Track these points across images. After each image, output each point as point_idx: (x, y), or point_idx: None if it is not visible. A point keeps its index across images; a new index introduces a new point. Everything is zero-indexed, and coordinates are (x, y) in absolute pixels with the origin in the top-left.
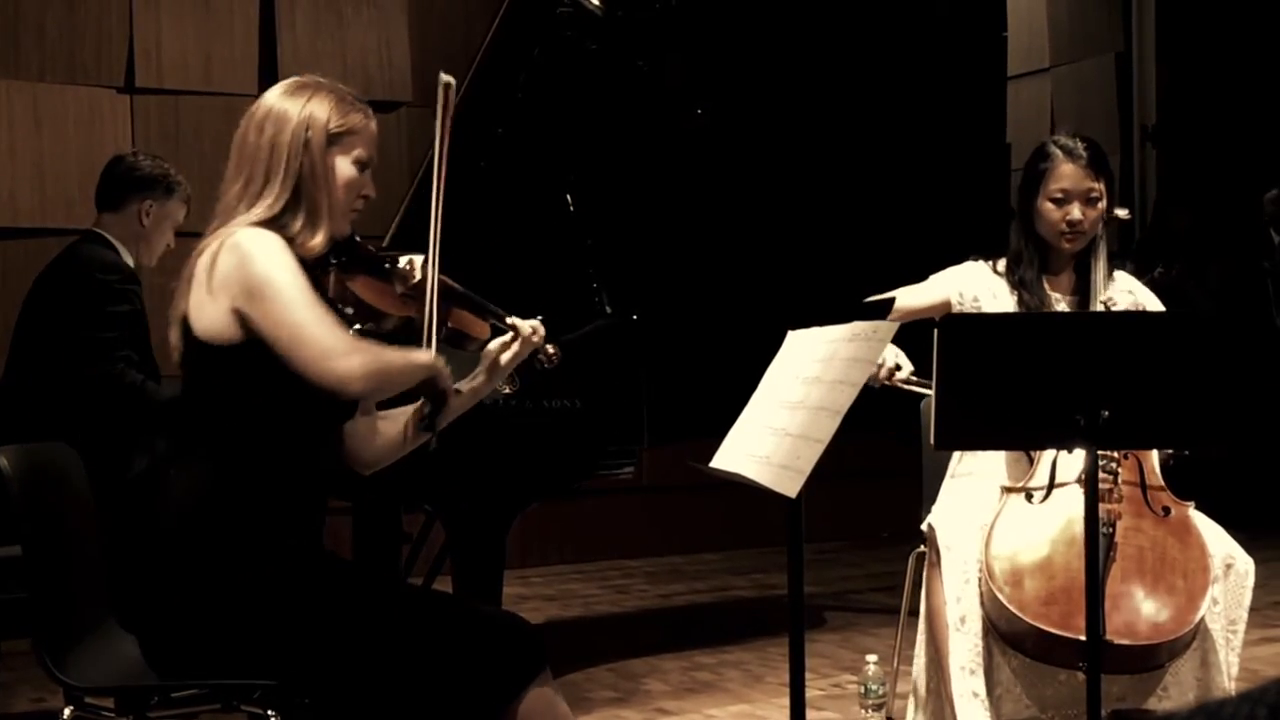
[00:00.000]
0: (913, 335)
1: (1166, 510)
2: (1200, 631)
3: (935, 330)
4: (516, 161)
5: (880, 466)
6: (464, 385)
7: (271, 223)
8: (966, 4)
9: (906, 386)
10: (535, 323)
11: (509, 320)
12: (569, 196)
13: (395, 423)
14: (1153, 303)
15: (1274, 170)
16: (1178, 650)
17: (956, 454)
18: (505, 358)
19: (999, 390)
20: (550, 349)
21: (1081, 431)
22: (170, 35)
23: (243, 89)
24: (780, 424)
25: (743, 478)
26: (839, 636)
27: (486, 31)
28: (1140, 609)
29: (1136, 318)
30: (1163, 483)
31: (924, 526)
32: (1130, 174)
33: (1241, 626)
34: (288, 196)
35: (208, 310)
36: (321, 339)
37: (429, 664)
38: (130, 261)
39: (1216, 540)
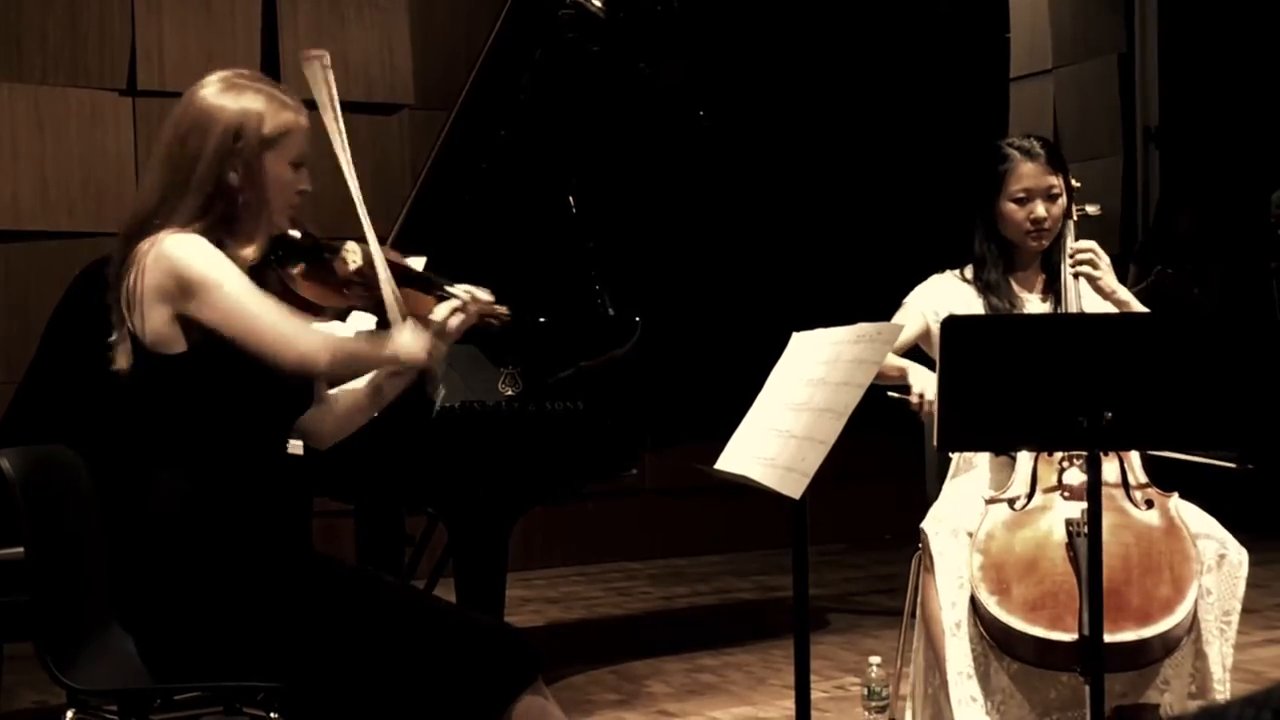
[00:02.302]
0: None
1: (1150, 503)
2: (1195, 623)
3: (939, 332)
4: (518, 163)
5: (883, 468)
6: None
7: (196, 232)
8: (968, 5)
9: None
10: (481, 291)
11: (455, 289)
12: (571, 198)
13: (346, 396)
14: (1109, 272)
15: (1277, 171)
16: (1172, 644)
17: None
18: (454, 324)
19: (1002, 392)
20: (501, 309)
21: (1084, 433)
22: (172, 37)
23: None
24: (785, 426)
25: (747, 479)
26: (842, 639)
27: (488, 33)
28: (1130, 605)
29: (1139, 319)
30: (1145, 477)
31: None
32: (1133, 176)
33: (1235, 617)
34: (208, 206)
35: (152, 324)
36: (277, 325)
37: (420, 670)
38: None
39: (1209, 531)
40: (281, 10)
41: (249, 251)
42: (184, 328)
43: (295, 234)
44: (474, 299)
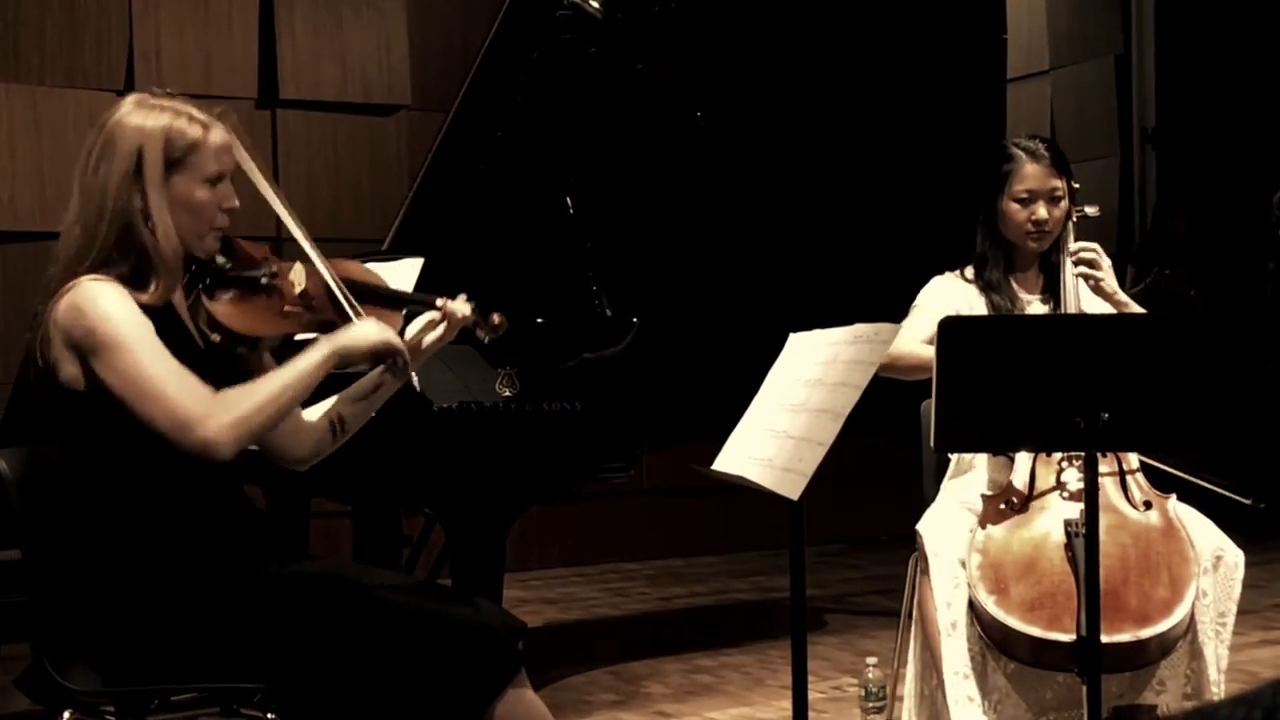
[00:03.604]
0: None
1: (1147, 504)
2: (1191, 624)
3: (936, 333)
4: (516, 164)
5: (880, 469)
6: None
7: (111, 273)
8: (966, 6)
9: None
10: (461, 301)
11: (435, 302)
12: (569, 199)
13: (320, 412)
14: (1110, 274)
15: (1275, 172)
16: (1169, 645)
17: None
18: (429, 339)
19: (998, 393)
20: (495, 318)
21: (1081, 434)
22: (170, 38)
23: (243, 92)
24: (782, 426)
25: (745, 480)
26: (839, 639)
27: (486, 34)
28: (1128, 606)
29: (1136, 320)
30: (1143, 478)
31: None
32: (1130, 177)
33: (1231, 619)
34: (125, 237)
35: (63, 363)
36: (174, 404)
37: (401, 670)
38: None
39: (1206, 533)
40: (279, 12)
41: (155, 291)
42: (85, 373)
43: (221, 259)
44: (451, 313)
